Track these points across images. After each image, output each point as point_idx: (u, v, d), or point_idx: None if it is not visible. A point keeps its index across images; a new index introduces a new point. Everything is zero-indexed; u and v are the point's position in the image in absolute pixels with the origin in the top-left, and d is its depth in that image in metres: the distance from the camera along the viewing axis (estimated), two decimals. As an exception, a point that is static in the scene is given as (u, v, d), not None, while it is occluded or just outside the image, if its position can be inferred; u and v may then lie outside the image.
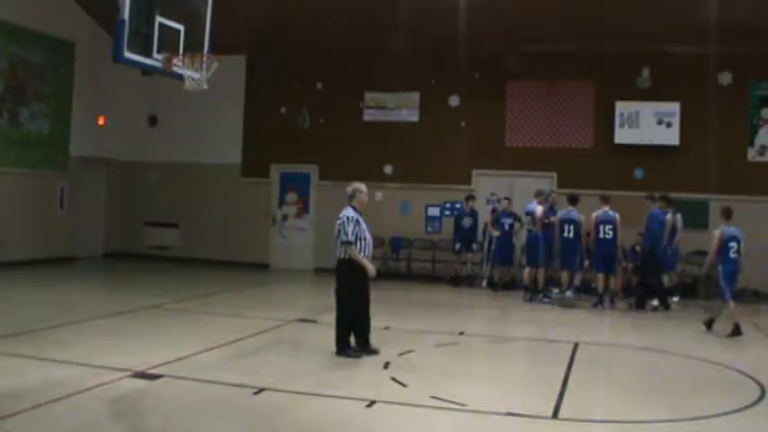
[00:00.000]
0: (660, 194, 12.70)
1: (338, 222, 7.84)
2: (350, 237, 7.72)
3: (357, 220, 7.79)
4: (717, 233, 10.21)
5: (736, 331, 9.90)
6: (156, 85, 15.46)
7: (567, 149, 15.39)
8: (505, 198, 14.56)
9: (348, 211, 7.87)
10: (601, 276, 12.45)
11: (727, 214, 10.38)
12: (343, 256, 7.83)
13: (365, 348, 7.92)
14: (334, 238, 7.92)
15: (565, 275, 12.67)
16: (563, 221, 12.58)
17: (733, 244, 10.09)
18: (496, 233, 14.28)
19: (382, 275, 15.60)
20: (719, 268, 10.13)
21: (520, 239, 14.12)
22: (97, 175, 17.54)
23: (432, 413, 6.07)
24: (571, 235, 12.47)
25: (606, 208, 12.40)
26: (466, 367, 7.71)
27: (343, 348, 7.87)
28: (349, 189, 8.06)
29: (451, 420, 5.90)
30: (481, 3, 13.75)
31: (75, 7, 16.16)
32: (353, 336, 7.96)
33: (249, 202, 17.12)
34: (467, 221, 14.86)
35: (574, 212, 12.60)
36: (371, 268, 7.83)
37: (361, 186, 8.06)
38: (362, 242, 7.82)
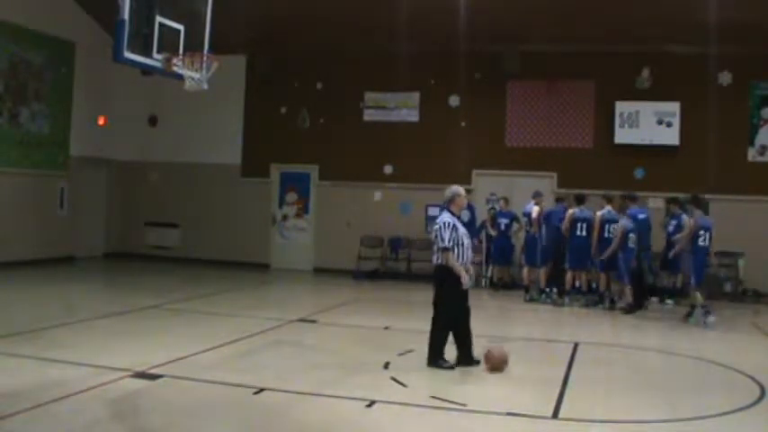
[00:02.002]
0: (630, 194, 12.90)
1: (434, 228, 7.61)
2: (447, 243, 7.42)
3: (454, 226, 7.52)
4: (620, 226, 11.86)
5: (630, 308, 11.80)
6: (156, 85, 15.44)
7: (567, 149, 15.39)
8: (502, 198, 14.55)
9: (445, 216, 7.61)
10: (603, 276, 12.47)
11: (623, 209, 12.16)
12: (439, 261, 7.57)
13: (469, 360, 7.60)
14: (432, 244, 7.71)
15: (569, 276, 12.65)
16: (576, 220, 12.50)
17: (632, 235, 11.79)
18: (494, 233, 14.30)
19: (381, 275, 15.82)
20: (620, 255, 11.83)
21: (519, 240, 14.13)
22: (97, 175, 17.53)
23: (432, 413, 6.07)
24: (584, 233, 12.43)
25: (610, 207, 12.49)
26: (465, 367, 7.69)
27: (435, 359, 7.50)
28: (447, 192, 7.75)
29: (451, 420, 5.90)
30: (481, 3, 13.76)
31: (75, 7, 16.15)
32: (456, 347, 7.64)
33: (249, 202, 17.11)
34: (464, 215, 14.80)
35: (587, 211, 12.61)
36: (465, 278, 7.50)
37: (461, 190, 7.73)
38: (460, 248, 7.52)
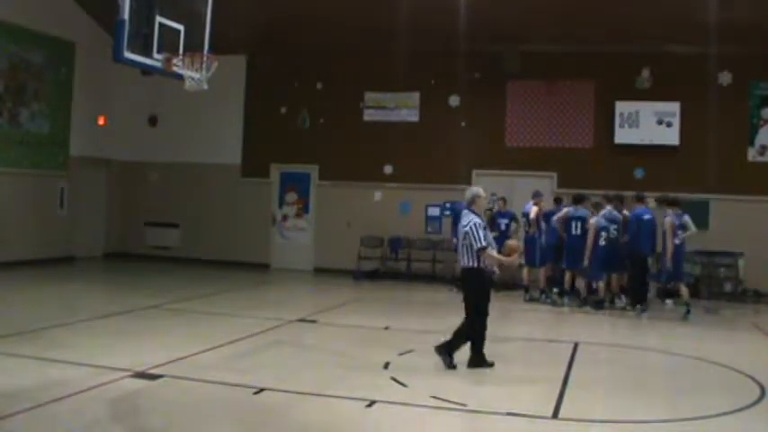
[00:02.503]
0: (637, 194, 12.94)
1: (463, 230, 7.55)
2: (483, 242, 7.42)
3: (484, 226, 7.54)
4: (593, 223, 12.06)
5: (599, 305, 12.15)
6: (156, 85, 15.45)
7: (567, 149, 15.38)
8: (501, 198, 14.55)
9: (472, 217, 7.57)
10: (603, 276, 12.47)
11: (597, 207, 12.40)
12: (469, 264, 7.53)
13: (481, 361, 7.59)
14: (459, 247, 7.70)
15: (568, 276, 12.62)
16: (571, 219, 12.47)
17: (604, 233, 12.03)
18: (493, 234, 14.27)
19: (381, 275, 15.82)
20: (594, 254, 11.99)
21: (519, 240, 14.09)
22: (97, 175, 17.53)
23: (432, 413, 6.07)
24: (579, 232, 12.38)
25: (610, 207, 12.46)
26: (465, 367, 7.70)
27: (477, 360, 7.56)
28: (468, 194, 7.79)
29: (451, 420, 5.91)
30: (481, 3, 13.75)
31: (75, 7, 16.14)
32: (470, 348, 7.62)
33: (249, 202, 17.11)
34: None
35: (583, 210, 12.58)
36: (509, 259, 7.70)
37: (480, 191, 7.77)
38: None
